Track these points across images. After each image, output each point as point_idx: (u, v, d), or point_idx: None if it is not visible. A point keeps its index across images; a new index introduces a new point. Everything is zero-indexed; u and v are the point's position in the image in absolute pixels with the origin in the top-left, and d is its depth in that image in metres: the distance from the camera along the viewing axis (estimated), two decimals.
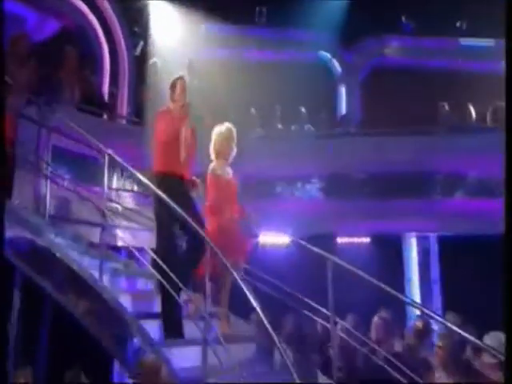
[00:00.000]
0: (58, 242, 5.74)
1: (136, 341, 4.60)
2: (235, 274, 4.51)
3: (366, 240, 10.53)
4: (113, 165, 5.97)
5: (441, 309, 9.46)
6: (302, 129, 10.58)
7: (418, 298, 10.02)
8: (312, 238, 8.17)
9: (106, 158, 5.52)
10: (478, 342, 4.30)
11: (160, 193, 5.01)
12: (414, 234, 10.43)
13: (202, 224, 5.26)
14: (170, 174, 5.35)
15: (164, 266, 4.95)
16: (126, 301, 5.26)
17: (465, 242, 9.24)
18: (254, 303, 4.32)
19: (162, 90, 9.56)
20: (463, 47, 11.93)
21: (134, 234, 6.87)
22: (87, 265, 5.45)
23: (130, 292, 5.76)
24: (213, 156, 5.87)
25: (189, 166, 5.55)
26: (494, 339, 5.16)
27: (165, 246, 5.27)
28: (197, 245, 5.02)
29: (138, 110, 9.95)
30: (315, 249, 5.39)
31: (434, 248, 10.37)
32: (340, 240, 10.52)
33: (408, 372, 4.97)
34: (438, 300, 10.01)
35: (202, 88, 9.04)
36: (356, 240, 10.55)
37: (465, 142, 9.58)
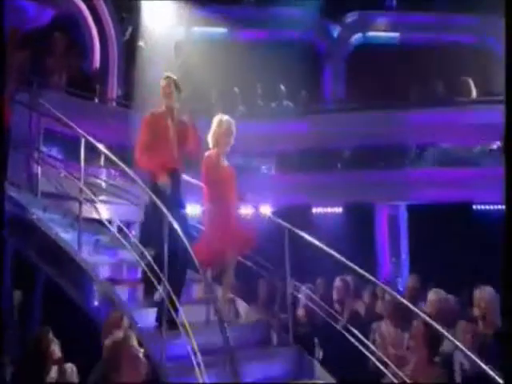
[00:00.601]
0: (45, 217, 6.39)
1: (106, 301, 5.22)
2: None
3: (339, 210, 10.94)
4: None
5: (408, 272, 9.98)
6: (280, 105, 10.96)
7: (387, 264, 10.66)
8: (289, 210, 8.78)
9: (83, 140, 6.12)
10: (408, 303, 4.68)
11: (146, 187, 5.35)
12: (384, 203, 10.88)
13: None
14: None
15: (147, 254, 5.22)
16: (106, 269, 5.91)
17: (431, 210, 9.78)
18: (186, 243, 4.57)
19: (151, 72, 10.15)
20: (447, 22, 11.95)
21: (118, 209, 7.49)
22: (71, 237, 6.09)
23: (111, 261, 6.38)
24: (211, 145, 5.91)
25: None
26: (435, 294, 5.81)
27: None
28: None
29: (128, 93, 10.44)
30: (277, 220, 5.83)
31: (403, 216, 10.85)
32: (315, 210, 10.96)
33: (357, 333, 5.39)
34: (405, 264, 10.57)
35: (187, 69, 9.49)
36: (330, 210, 10.97)
37: (433, 115, 10.04)
